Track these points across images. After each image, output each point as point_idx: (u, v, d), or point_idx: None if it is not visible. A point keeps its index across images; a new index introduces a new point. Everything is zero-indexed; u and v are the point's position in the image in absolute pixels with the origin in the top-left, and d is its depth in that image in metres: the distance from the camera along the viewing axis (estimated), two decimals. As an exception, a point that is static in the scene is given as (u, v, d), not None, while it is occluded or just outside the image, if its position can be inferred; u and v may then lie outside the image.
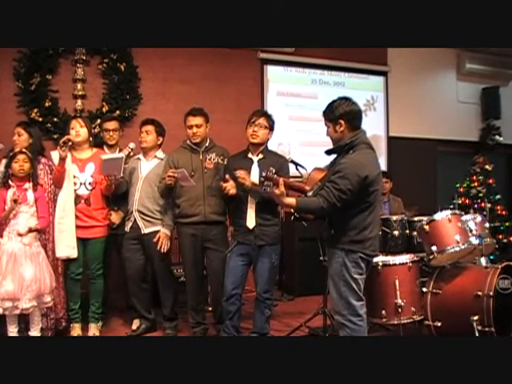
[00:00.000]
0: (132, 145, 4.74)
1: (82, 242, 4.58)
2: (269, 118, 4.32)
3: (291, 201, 3.26)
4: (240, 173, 4.10)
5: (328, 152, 3.57)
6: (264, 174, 3.34)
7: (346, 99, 3.44)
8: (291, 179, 3.80)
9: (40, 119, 5.97)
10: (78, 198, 4.56)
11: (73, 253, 4.50)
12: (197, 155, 4.54)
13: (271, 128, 4.34)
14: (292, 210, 3.81)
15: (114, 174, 4.47)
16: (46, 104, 6.02)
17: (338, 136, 3.42)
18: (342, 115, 3.37)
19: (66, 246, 4.47)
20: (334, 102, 3.45)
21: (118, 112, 6.26)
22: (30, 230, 4.16)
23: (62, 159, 4.42)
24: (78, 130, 4.63)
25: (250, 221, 4.20)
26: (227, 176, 4.23)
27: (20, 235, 4.13)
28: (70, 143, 4.46)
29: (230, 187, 4.18)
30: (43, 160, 4.60)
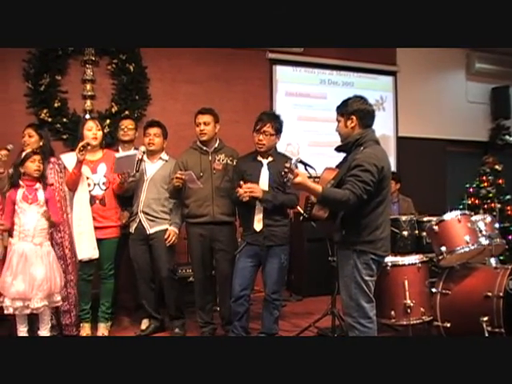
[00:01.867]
0: (143, 148, 4.73)
1: (96, 243, 4.59)
2: (275, 121, 4.26)
3: (317, 186, 3.20)
4: (248, 186, 4.08)
5: (338, 148, 3.59)
6: (288, 165, 3.19)
7: (362, 98, 3.48)
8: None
9: (49, 120, 5.99)
10: (92, 199, 4.60)
11: (95, 253, 4.55)
12: (206, 156, 4.55)
13: (279, 131, 4.29)
14: (302, 212, 3.80)
15: (128, 172, 4.50)
16: (56, 104, 6.04)
17: (347, 131, 3.45)
18: (356, 111, 3.41)
19: (88, 248, 4.52)
20: (349, 98, 3.48)
21: (126, 112, 6.27)
22: (46, 216, 4.18)
23: (80, 162, 4.45)
24: (96, 133, 4.66)
25: (258, 224, 4.20)
26: (241, 182, 4.18)
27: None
28: (89, 147, 4.49)
29: (244, 193, 4.12)
30: (52, 159, 4.64)
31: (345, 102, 3.48)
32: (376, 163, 3.23)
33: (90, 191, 4.60)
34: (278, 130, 4.28)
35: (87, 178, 4.59)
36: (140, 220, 4.73)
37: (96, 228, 4.57)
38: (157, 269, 4.82)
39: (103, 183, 4.65)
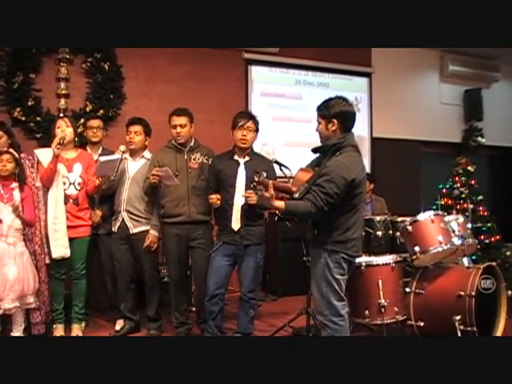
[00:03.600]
0: (123, 147, 4.70)
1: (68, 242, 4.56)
2: (255, 120, 4.32)
3: (280, 204, 3.28)
4: (246, 195, 4.04)
5: (314, 150, 3.59)
6: (257, 179, 3.36)
7: (344, 99, 3.43)
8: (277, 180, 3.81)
9: (23, 118, 5.92)
10: (66, 198, 4.56)
11: (67, 252, 4.52)
12: (181, 155, 4.54)
13: (257, 129, 4.34)
14: (277, 212, 3.82)
15: (108, 175, 4.48)
16: (29, 103, 5.97)
17: (327, 134, 3.42)
18: (337, 114, 3.37)
19: (61, 246, 4.49)
20: (331, 99, 3.44)
21: (101, 111, 6.23)
22: (16, 211, 4.13)
23: (56, 157, 4.42)
24: (64, 130, 4.62)
25: (236, 223, 4.20)
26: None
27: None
28: (65, 141, 4.45)
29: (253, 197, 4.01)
30: (23, 155, 4.60)
31: (326, 103, 3.42)
32: (345, 175, 3.21)
33: (64, 190, 4.56)
34: (257, 128, 4.33)
35: (63, 176, 4.56)
36: (123, 219, 4.70)
37: (68, 227, 4.54)
38: (139, 269, 4.81)
39: (78, 183, 4.63)
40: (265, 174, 3.45)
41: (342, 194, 3.21)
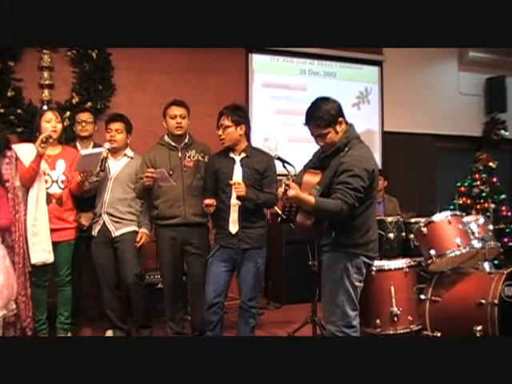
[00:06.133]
0: (108, 145, 4.65)
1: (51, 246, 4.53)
2: (233, 113, 4.20)
3: (310, 198, 3.23)
4: (235, 183, 4.05)
5: (326, 157, 3.55)
6: (287, 182, 3.13)
7: (324, 98, 3.47)
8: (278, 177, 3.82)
9: (2, 110, 5.91)
10: (49, 198, 4.53)
11: (49, 257, 4.46)
12: (175, 152, 4.56)
13: (238, 122, 4.20)
14: (280, 213, 3.82)
15: (90, 170, 4.46)
16: (9, 94, 5.96)
17: (339, 137, 3.43)
18: (339, 112, 3.42)
19: (42, 251, 4.42)
20: (320, 106, 3.43)
21: (89, 103, 6.24)
22: None
23: (40, 156, 4.37)
24: (55, 126, 4.58)
25: (233, 225, 4.19)
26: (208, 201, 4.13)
27: None
28: (51, 140, 4.39)
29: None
30: (9, 153, 4.52)
31: (321, 112, 3.40)
32: (366, 167, 3.27)
33: (46, 188, 4.53)
34: (237, 121, 4.19)
35: (45, 174, 4.53)
36: (104, 222, 4.71)
37: (52, 230, 4.50)
38: (123, 274, 4.81)
39: (62, 181, 4.60)
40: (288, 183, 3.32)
41: (367, 187, 3.26)
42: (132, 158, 4.81)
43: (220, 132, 4.20)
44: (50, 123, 4.58)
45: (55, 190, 4.59)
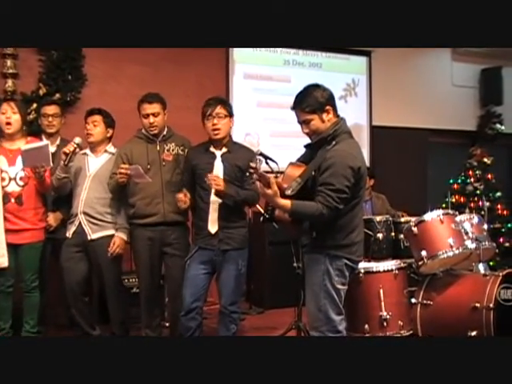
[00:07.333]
0: (78, 139, 4.53)
1: (12, 249, 4.46)
2: (225, 104, 4.26)
3: (286, 203, 3.22)
4: (212, 177, 4.03)
5: (309, 146, 3.57)
6: (254, 165, 3.27)
7: (317, 85, 3.45)
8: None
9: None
10: (6, 196, 4.44)
11: (3, 261, 4.39)
12: (153, 146, 4.50)
13: (231, 114, 4.27)
14: (263, 212, 3.80)
15: (42, 165, 4.35)
16: (-33, 83, 5.88)
17: (324, 126, 3.41)
18: (328, 100, 3.39)
19: None
20: (309, 91, 3.43)
21: (57, 95, 6.16)
22: None
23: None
24: (10, 117, 4.51)
25: (212, 225, 4.17)
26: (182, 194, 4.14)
27: None
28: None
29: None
30: None
31: (308, 97, 3.40)
32: (352, 164, 3.24)
33: (4, 187, 4.45)
34: (230, 113, 4.25)
35: (2, 171, 4.46)
36: (80, 223, 4.60)
37: (12, 231, 4.43)
38: (100, 280, 4.76)
39: (21, 178, 4.51)
40: (263, 160, 3.40)
41: (352, 186, 3.23)
42: (113, 154, 4.72)
43: (215, 121, 4.15)
44: (5, 115, 4.51)
45: (13, 188, 4.50)
